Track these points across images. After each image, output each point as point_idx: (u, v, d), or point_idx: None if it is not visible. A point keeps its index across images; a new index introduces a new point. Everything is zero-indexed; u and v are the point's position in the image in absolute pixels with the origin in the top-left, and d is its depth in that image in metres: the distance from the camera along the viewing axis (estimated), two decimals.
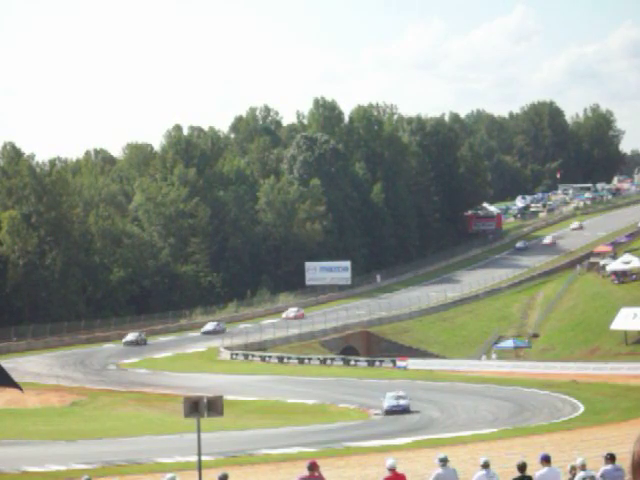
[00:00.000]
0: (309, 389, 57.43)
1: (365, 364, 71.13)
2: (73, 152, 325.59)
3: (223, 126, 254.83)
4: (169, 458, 32.08)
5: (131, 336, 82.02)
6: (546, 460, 15.12)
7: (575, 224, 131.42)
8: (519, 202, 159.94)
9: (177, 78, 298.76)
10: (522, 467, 14.97)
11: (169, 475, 16.02)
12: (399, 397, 48.02)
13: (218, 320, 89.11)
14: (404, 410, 46.90)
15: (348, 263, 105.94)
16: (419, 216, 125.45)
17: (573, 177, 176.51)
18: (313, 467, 14.97)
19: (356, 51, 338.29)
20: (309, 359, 72.14)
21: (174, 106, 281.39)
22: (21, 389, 28.82)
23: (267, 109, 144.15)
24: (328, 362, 71.50)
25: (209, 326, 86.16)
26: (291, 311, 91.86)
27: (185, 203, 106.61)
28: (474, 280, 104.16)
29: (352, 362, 71.63)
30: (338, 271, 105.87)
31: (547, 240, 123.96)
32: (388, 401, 47.65)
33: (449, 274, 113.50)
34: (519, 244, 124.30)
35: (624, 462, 5.76)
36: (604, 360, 66.94)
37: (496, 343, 79.85)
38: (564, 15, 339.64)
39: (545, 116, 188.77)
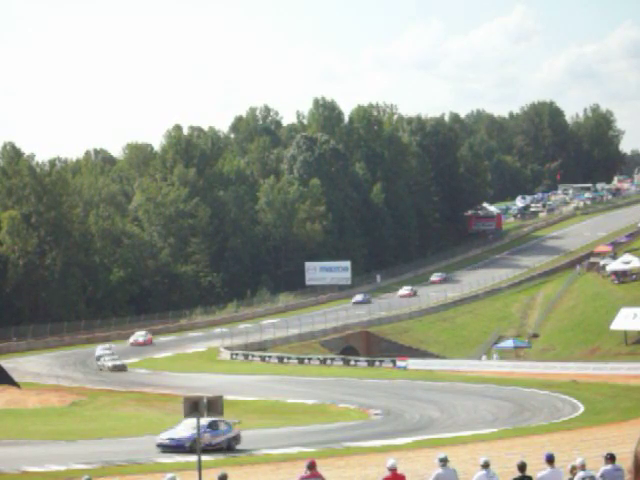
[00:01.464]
0: (309, 389, 57.40)
1: (365, 364, 71.12)
2: (73, 152, 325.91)
3: (223, 126, 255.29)
4: (169, 458, 32.07)
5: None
6: (550, 461, 15.11)
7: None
8: (519, 202, 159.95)
9: (177, 78, 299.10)
10: (522, 467, 14.97)
11: (169, 475, 16.03)
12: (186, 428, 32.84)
13: (109, 344, 79.16)
14: (179, 447, 33.10)
15: (348, 263, 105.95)
16: (419, 216, 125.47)
17: (573, 177, 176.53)
18: (313, 466, 14.99)
19: (356, 51, 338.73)
20: (309, 359, 72.15)
21: (174, 106, 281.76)
22: (19, 386, 28.81)
23: (267, 109, 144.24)
24: (328, 362, 71.50)
25: (99, 350, 74.51)
26: (139, 335, 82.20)
27: (185, 203, 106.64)
28: (474, 280, 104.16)
29: (352, 362, 71.62)
30: (338, 271, 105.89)
31: (403, 292, 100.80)
32: (164, 433, 34.66)
33: (449, 274, 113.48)
34: (357, 297, 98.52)
35: (624, 462, 5.75)
36: (604, 360, 66.94)
37: (496, 343, 79.82)
38: (564, 15, 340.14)
39: (545, 116, 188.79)
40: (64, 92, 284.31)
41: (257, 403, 52.96)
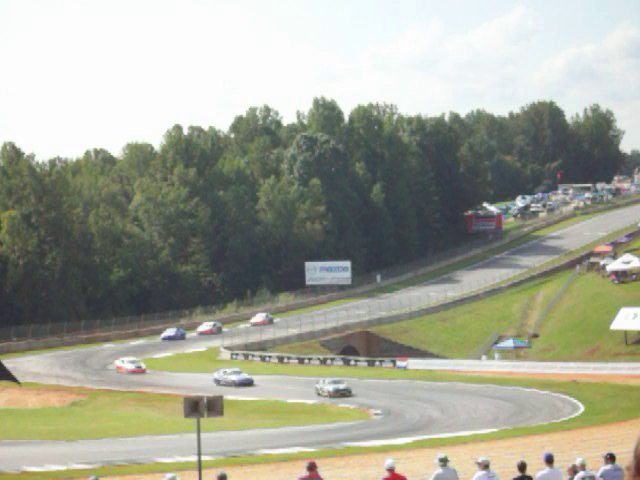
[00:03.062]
0: (309, 389, 57.39)
1: (365, 364, 71.11)
2: (73, 152, 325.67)
3: (223, 126, 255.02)
4: (169, 458, 32.07)
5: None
6: (549, 461, 15.08)
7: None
8: (519, 202, 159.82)
9: (177, 78, 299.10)
10: (522, 467, 14.93)
11: (169, 475, 16.00)
12: None
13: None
14: None
15: (348, 263, 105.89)
16: (419, 216, 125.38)
17: (573, 177, 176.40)
18: (313, 467, 14.95)
19: (356, 51, 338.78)
20: (309, 359, 72.13)
21: (174, 106, 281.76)
22: (18, 382, 28.74)
23: (267, 109, 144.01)
24: (328, 362, 71.49)
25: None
26: (128, 362, 68.75)
27: (185, 203, 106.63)
28: (474, 280, 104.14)
29: (352, 362, 71.61)
30: (338, 271, 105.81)
31: (257, 319, 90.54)
32: None
33: (449, 274, 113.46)
34: (167, 332, 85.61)
35: (624, 462, 5.72)
36: (604, 360, 66.91)
37: (496, 343, 79.79)
38: (563, 15, 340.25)
39: (545, 116, 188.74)
40: (64, 92, 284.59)
41: (257, 403, 52.96)
